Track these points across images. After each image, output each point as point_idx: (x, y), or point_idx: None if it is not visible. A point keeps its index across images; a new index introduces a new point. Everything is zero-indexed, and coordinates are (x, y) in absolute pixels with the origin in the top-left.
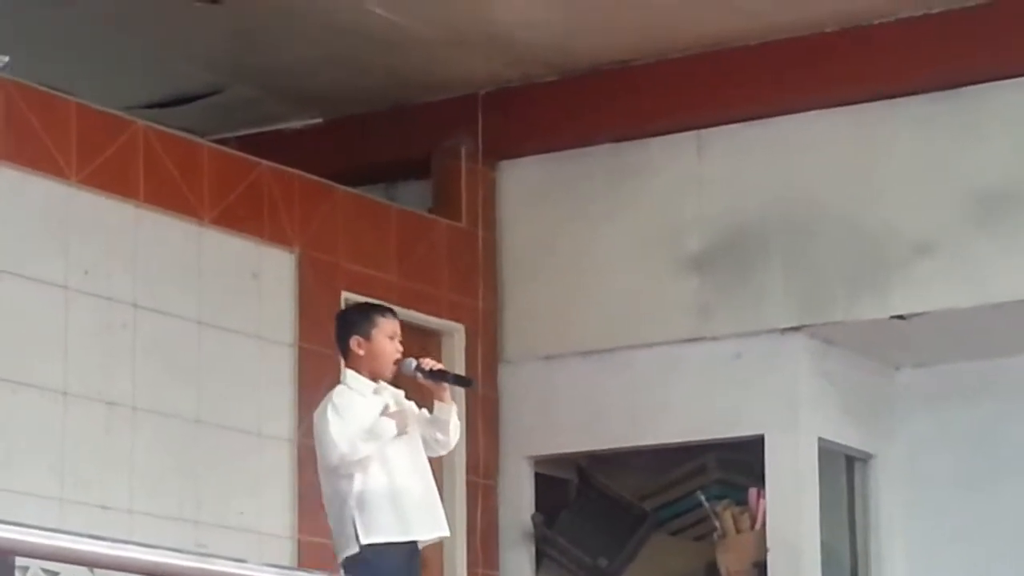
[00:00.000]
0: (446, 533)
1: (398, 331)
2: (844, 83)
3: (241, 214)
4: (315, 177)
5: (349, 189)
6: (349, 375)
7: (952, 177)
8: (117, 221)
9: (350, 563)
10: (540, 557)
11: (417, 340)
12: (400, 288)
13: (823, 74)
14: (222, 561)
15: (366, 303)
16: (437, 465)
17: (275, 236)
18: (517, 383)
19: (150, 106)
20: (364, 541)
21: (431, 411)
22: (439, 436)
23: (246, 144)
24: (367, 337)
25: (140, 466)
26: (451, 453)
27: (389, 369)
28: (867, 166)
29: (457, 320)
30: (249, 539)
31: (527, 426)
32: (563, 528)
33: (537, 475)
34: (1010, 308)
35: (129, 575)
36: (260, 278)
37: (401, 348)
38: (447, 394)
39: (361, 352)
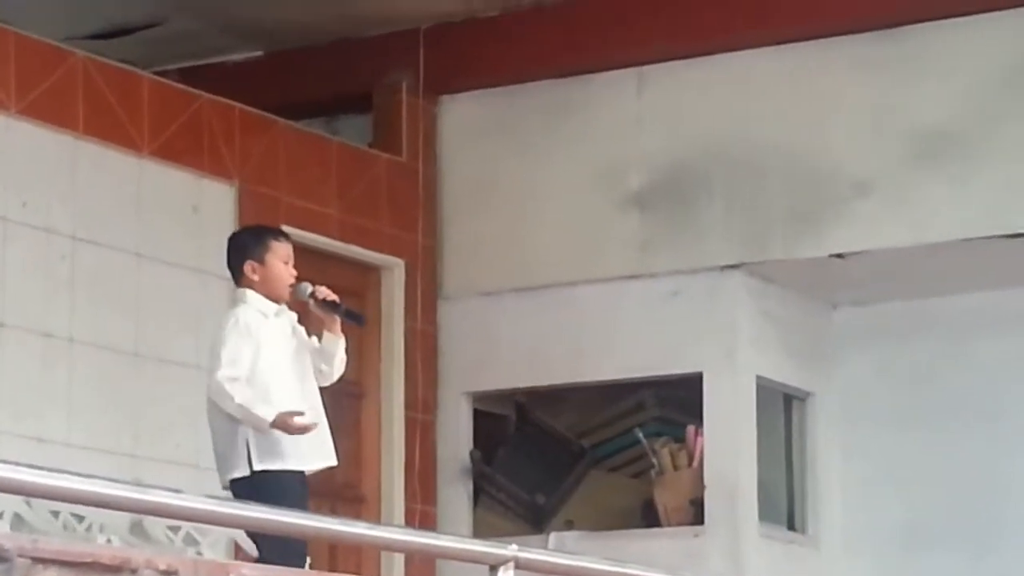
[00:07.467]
0: (334, 462)
1: (291, 254)
2: (786, 21)
3: (181, 147)
4: (256, 110)
5: (290, 123)
6: (249, 294)
7: (892, 116)
8: (56, 152)
9: (239, 484)
10: (478, 493)
11: (357, 275)
12: (340, 222)
13: (764, 12)
14: (158, 491)
15: (258, 226)
16: (375, 401)
17: (215, 169)
18: (456, 319)
19: (90, 37)
20: (258, 467)
21: (320, 340)
22: (323, 367)
23: (187, 76)
24: (261, 261)
25: (77, 399)
26: (390, 388)
27: (285, 294)
28: (808, 105)
29: (397, 255)
30: (186, 472)
31: (466, 362)
32: (501, 464)
33: (475, 411)
34: (948, 248)
35: (66, 505)
36: (200, 211)
37: (295, 272)
38: (337, 326)
39: (255, 277)
